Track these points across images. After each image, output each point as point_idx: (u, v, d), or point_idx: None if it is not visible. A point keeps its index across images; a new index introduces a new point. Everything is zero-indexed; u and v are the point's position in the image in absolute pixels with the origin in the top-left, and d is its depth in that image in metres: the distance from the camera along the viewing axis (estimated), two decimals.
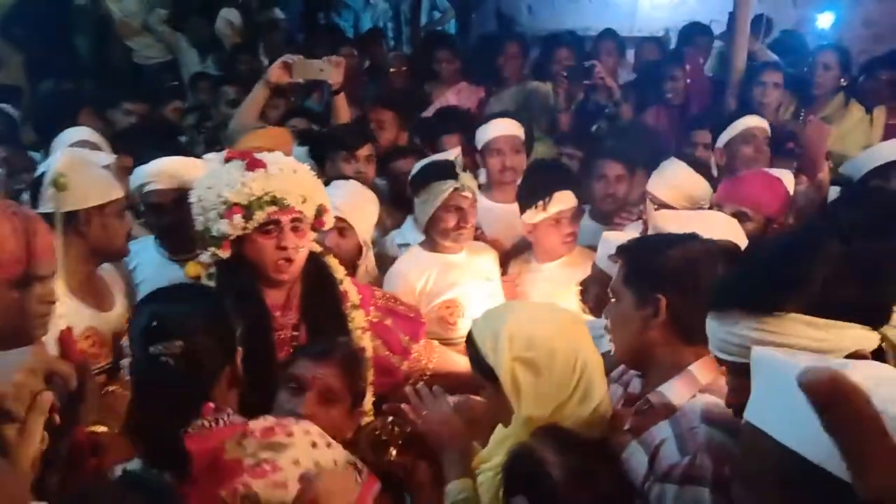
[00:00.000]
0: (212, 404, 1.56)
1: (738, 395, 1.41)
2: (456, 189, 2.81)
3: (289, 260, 2.15)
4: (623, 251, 1.86)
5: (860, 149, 4.43)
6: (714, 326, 1.42)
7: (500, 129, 3.57)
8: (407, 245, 3.19)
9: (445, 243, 2.89)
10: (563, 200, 2.93)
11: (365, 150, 3.41)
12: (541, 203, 2.91)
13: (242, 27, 6.25)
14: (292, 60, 3.43)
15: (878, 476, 0.82)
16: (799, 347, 1.29)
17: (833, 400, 0.83)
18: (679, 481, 1.53)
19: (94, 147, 3.22)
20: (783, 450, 0.94)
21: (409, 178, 2.99)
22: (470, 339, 1.79)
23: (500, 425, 1.80)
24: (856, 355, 1.31)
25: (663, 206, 3.04)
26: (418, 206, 2.91)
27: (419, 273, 2.87)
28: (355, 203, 2.90)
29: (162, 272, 2.69)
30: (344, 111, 3.68)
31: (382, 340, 2.37)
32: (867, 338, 1.34)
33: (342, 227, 2.78)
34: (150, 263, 2.82)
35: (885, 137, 4.46)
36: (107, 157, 2.79)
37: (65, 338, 1.42)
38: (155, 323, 1.60)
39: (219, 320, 1.69)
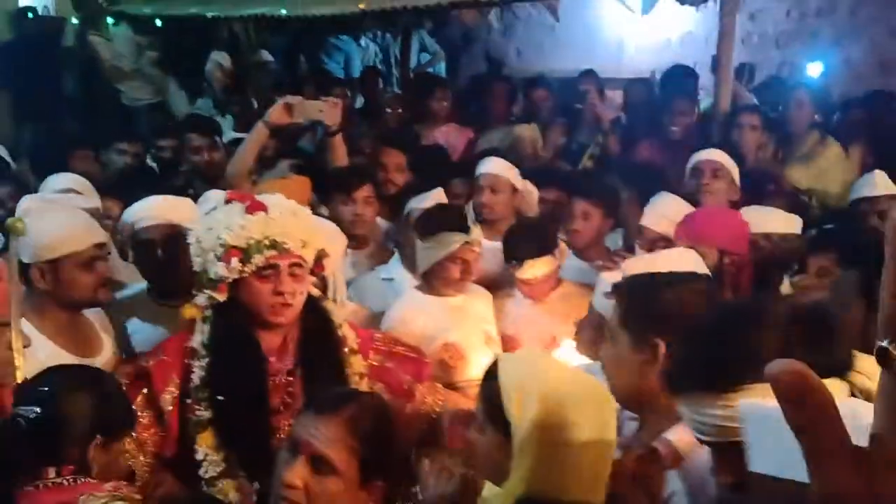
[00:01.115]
0: (71, 467, 1.78)
1: (725, 475, 1.38)
2: (466, 243, 2.81)
3: (286, 305, 2.12)
4: (619, 290, 1.83)
5: (840, 185, 4.54)
6: (682, 409, 1.37)
7: (485, 167, 3.63)
8: (391, 280, 3.19)
9: (444, 290, 2.89)
10: (536, 267, 2.96)
11: (363, 192, 3.40)
12: (528, 263, 2.94)
13: (232, 69, 6.31)
14: (293, 102, 3.46)
15: (833, 478, 0.85)
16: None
17: (801, 393, 0.85)
18: None
19: (79, 194, 3.21)
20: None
21: (417, 220, 2.98)
22: (491, 382, 1.61)
23: (486, 490, 1.67)
24: None
25: (659, 238, 3.05)
26: (422, 250, 2.88)
27: (418, 316, 2.86)
28: (340, 242, 2.92)
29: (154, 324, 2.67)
30: (341, 152, 3.69)
31: (384, 384, 2.31)
32: (836, 389, 1.31)
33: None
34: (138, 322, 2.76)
35: (862, 175, 4.57)
36: (86, 200, 2.79)
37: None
38: (21, 388, 1.80)
39: (87, 400, 1.84)
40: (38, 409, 1.76)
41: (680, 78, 5.49)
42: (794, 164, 4.64)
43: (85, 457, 1.80)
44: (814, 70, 6.13)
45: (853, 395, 1.37)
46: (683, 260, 2.35)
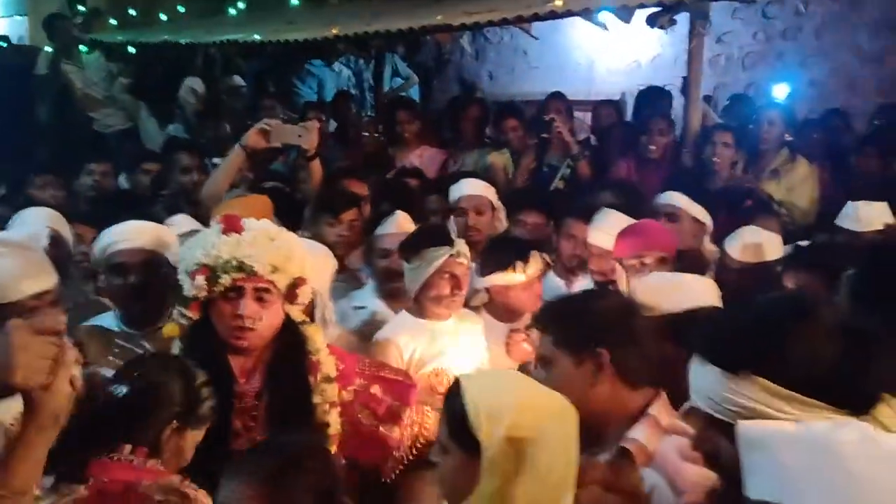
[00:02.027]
0: (145, 449, 1.85)
1: (703, 444, 1.42)
2: (451, 256, 2.79)
3: (246, 329, 2.10)
4: (545, 317, 1.91)
5: (807, 201, 4.64)
6: (713, 382, 1.34)
7: (465, 189, 3.64)
8: (363, 308, 3.17)
9: (436, 310, 2.84)
10: (538, 261, 3.01)
11: (350, 215, 3.40)
12: (520, 264, 2.95)
13: (205, 95, 6.31)
14: (270, 126, 3.45)
15: None
16: (766, 415, 1.24)
17: None
18: None
19: (56, 233, 3.14)
20: None
21: (400, 245, 2.95)
22: (455, 402, 1.60)
23: None
24: None
25: (606, 253, 3.21)
26: (409, 272, 2.85)
27: (407, 340, 2.81)
28: (328, 264, 2.90)
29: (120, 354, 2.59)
30: (318, 175, 3.70)
31: (369, 410, 2.29)
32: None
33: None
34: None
35: (822, 191, 4.67)
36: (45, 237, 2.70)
37: None
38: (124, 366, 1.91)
39: (172, 388, 1.92)
40: (125, 389, 1.87)
41: (655, 98, 5.58)
42: (766, 180, 4.73)
43: (159, 440, 1.88)
44: (780, 91, 6.24)
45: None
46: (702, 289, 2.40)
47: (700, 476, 1.60)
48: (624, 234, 3.13)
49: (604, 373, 1.81)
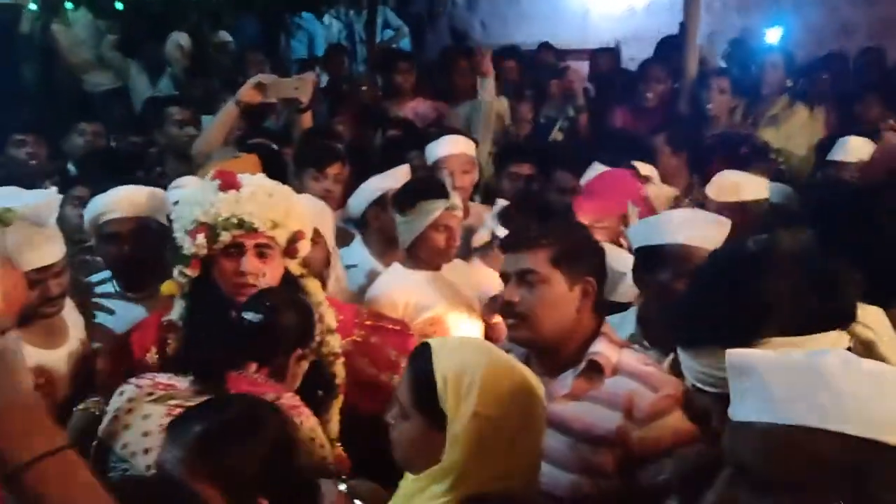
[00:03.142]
0: (267, 369, 2.01)
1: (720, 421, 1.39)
2: (447, 208, 2.82)
3: (249, 285, 2.11)
4: (549, 233, 1.92)
5: (805, 148, 4.63)
6: (690, 362, 1.39)
7: (449, 148, 3.59)
8: (355, 266, 3.16)
9: (430, 262, 2.87)
10: None
11: (334, 169, 3.37)
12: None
13: (192, 51, 6.20)
14: (266, 80, 3.40)
15: None
16: None
17: None
18: (670, 410, 1.75)
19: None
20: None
21: (394, 196, 2.96)
22: (421, 368, 1.54)
23: (404, 480, 1.62)
24: None
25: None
26: (403, 224, 2.87)
27: (402, 291, 2.83)
28: (319, 211, 2.88)
29: (118, 314, 2.60)
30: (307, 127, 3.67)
31: (369, 359, 2.33)
32: (839, 339, 1.35)
33: (313, 237, 2.77)
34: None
35: (827, 135, 4.64)
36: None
37: None
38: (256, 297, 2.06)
39: (299, 318, 2.07)
40: (260, 316, 1.99)
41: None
42: (764, 127, 4.71)
43: (285, 364, 2.04)
44: (774, 35, 6.17)
45: (850, 347, 1.37)
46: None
47: (667, 377, 1.79)
48: (583, 196, 3.15)
49: (587, 300, 1.89)
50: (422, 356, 1.55)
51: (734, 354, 1.10)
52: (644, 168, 3.56)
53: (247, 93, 3.38)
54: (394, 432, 1.57)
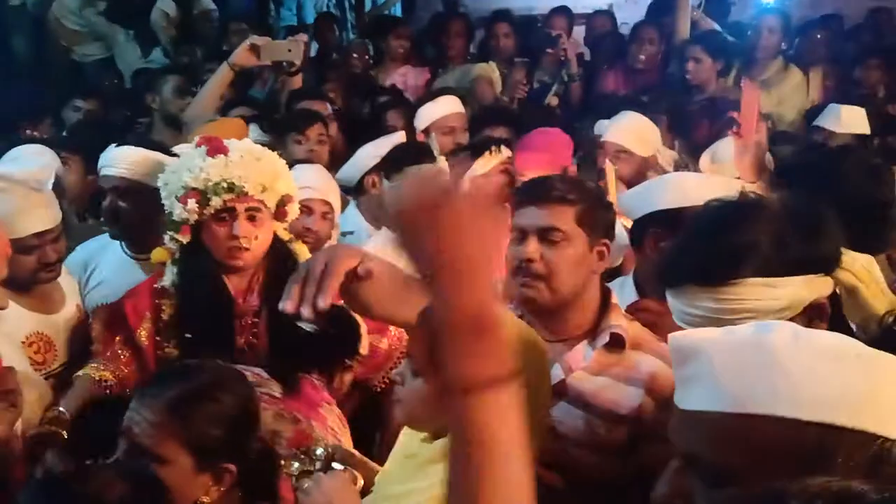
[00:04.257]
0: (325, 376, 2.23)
1: None
2: None
3: (242, 248, 2.14)
4: (575, 190, 1.86)
5: (796, 112, 4.61)
6: (673, 302, 1.44)
7: (451, 106, 3.60)
8: (351, 233, 3.17)
9: None
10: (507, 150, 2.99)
11: (316, 130, 3.40)
12: (493, 148, 2.90)
13: (178, 18, 6.12)
14: (259, 42, 3.38)
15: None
16: (760, 310, 1.34)
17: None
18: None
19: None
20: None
21: (382, 160, 2.95)
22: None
23: (408, 439, 1.60)
24: (815, 304, 1.37)
25: (620, 151, 3.29)
26: (391, 189, 2.86)
27: (390, 256, 2.83)
28: (330, 183, 2.91)
29: (123, 274, 2.60)
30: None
31: None
32: (822, 284, 1.39)
33: (325, 210, 2.79)
34: (111, 264, 2.71)
35: (823, 98, 4.62)
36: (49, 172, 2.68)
37: None
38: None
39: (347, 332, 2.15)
40: (314, 326, 1.99)
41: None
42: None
43: (333, 374, 2.23)
44: None
45: (836, 291, 1.42)
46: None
47: None
48: (525, 147, 3.13)
49: (602, 264, 1.86)
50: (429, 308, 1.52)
51: (677, 338, 1.03)
52: None
53: (241, 55, 3.37)
54: (402, 391, 1.53)
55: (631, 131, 3.36)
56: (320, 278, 1.28)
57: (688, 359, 1.00)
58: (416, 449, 1.53)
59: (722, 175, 3.12)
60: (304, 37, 3.61)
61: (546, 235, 1.80)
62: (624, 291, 2.29)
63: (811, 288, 1.37)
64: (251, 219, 2.15)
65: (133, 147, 2.69)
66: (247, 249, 2.14)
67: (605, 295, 1.89)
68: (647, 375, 1.76)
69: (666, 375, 1.73)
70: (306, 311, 1.19)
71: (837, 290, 1.46)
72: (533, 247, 1.80)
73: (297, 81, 3.68)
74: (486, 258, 0.84)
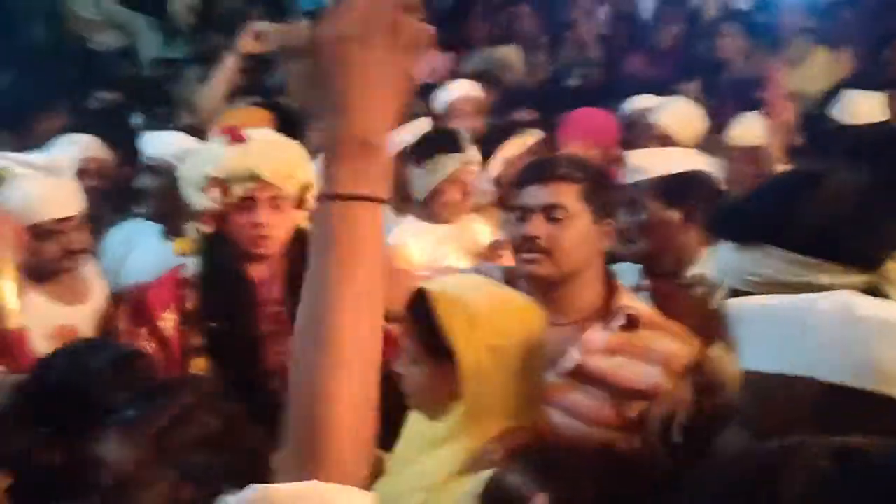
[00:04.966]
0: None
1: None
2: (464, 163, 2.81)
3: (264, 236, 2.14)
4: (581, 169, 1.88)
5: (826, 89, 4.51)
6: (731, 258, 1.37)
7: (460, 90, 3.59)
8: None
9: (444, 215, 2.87)
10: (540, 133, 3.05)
11: None
12: (522, 131, 3.01)
13: (199, 6, 6.12)
14: (265, 29, 3.39)
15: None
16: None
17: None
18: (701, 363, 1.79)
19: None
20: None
21: (411, 147, 2.94)
22: (425, 310, 1.53)
23: (416, 421, 1.62)
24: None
25: (664, 136, 3.23)
26: (419, 177, 2.87)
27: (414, 243, 2.84)
28: None
29: (160, 255, 2.61)
30: None
31: None
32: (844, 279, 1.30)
33: None
34: (149, 251, 2.73)
35: (853, 76, 4.52)
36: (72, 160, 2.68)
37: (15, 339, 1.44)
38: None
39: None
40: None
41: None
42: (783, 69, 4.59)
43: None
44: None
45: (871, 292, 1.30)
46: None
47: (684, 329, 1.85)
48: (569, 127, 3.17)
49: (607, 240, 1.88)
50: (419, 301, 1.55)
51: (733, 305, 1.11)
52: None
53: (246, 43, 3.37)
54: (406, 381, 1.58)
55: (678, 117, 3.32)
56: None
57: (740, 322, 1.08)
58: (425, 429, 1.58)
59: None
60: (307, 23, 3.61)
61: (550, 213, 1.82)
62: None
63: (835, 278, 1.28)
64: (273, 207, 2.15)
65: (176, 132, 2.73)
66: (270, 237, 2.15)
67: (609, 275, 1.92)
68: (664, 354, 1.80)
69: (683, 353, 1.80)
70: None
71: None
72: (537, 224, 1.82)
73: None
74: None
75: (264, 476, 1.57)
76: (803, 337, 0.99)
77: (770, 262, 1.29)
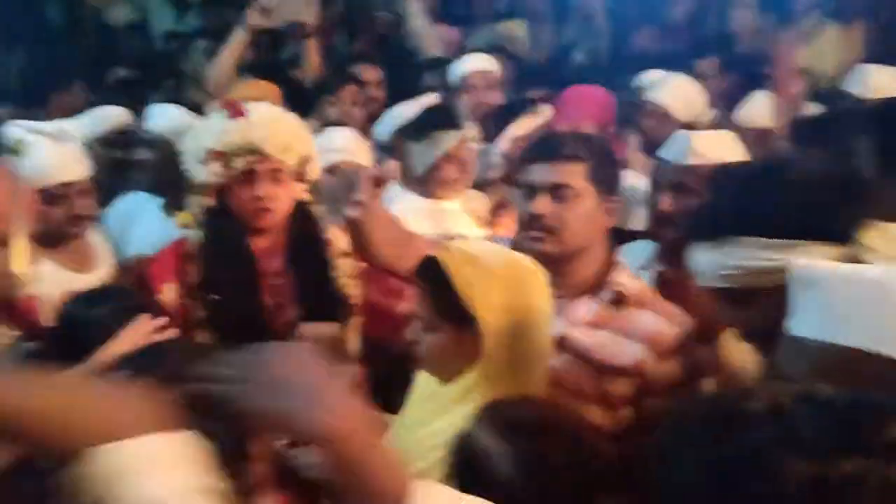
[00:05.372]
0: None
1: (737, 323, 1.52)
2: (461, 140, 2.81)
3: (265, 209, 2.16)
4: (586, 147, 1.87)
5: (834, 67, 4.47)
6: (707, 256, 1.41)
7: (472, 64, 3.60)
8: None
9: (442, 192, 2.87)
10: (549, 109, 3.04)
11: (349, 92, 3.45)
12: (533, 108, 3.00)
13: None
14: (269, 4, 3.42)
15: None
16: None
17: None
18: (689, 345, 1.81)
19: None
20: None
21: (407, 123, 2.96)
22: (439, 277, 1.55)
23: (425, 382, 1.66)
24: None
25: (663, 114, 3.21)
26: (416, 154, 2.87)
27: (413, 220, 2.76)
28: (360, 145, 2.95)
29: (161, 226, 2.65)
30: (315, 56, 3.71)
31: (375, 285, 2.36)
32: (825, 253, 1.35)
33: None
34: (150, 224, 2.75)
35: (866, 53, 4.48)
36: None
37: (26, 306, 1.49)
38: None
39: None
40: None
41: None
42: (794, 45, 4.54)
43: None
44: None
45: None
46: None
47: (680, 311, 1.83)
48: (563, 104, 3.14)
49: (611, 221, 1.88)
50: (431, 267, 1.57)
51: (800, 266, 1.11)
52: None
53: (252, 17, 3.43)
54: (421, 347, 1.60)
55: (676, 94, 3.30)
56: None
57: (807, 287, 1.07)
58: (435, 390, 1.60)
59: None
60: None
61: (556, 192, 1.84)
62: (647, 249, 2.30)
63: (808, 255, 1.32)
64: (273, 180, 2.16)
65: (174, 106, 2.75)
66: (270, 210, 2.17)
67: (611, 252, 1.93)
68: (649, 332, 1.80)
69: (668, 332, 1.80)
70: None
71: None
72: (543, 203, 1.84)
73: (312, 44, 3.77)
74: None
75: None
76: (885, 312, 0.99)
77: (745, 251, 1.32)
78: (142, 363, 1.46)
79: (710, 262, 1.38)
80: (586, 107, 3.07)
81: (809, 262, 1.12)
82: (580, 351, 1.82)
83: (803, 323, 1.06)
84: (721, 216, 1.40)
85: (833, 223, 1.31)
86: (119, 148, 2.95)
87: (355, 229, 1.90)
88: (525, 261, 1.63)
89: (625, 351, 1.80)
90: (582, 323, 1.84)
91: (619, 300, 1.84)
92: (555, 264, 1.83)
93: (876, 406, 0.71)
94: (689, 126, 3.26)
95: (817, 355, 1.02)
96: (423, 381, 1.67)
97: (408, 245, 1.96)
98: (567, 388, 1.78)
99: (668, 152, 2.30)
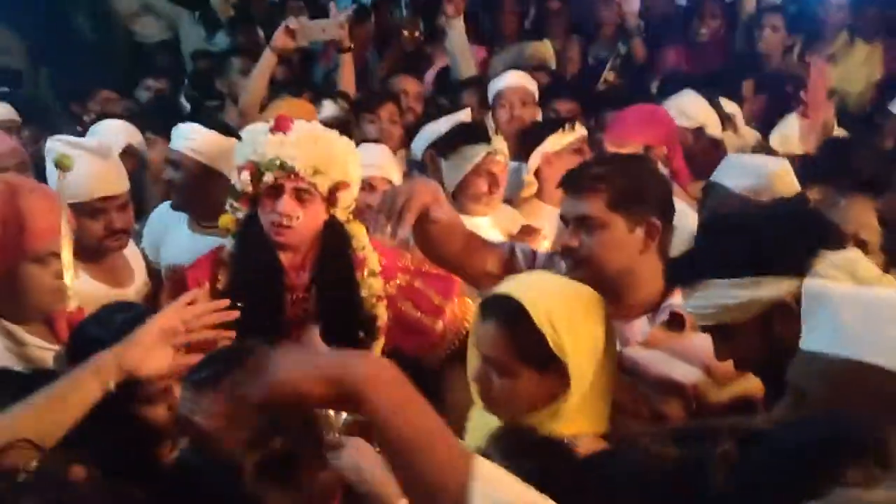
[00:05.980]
0: None
1: (724, 355, 1.60)
2: (489, 153, 2.81)
3: (284, 226, 2.16)
4: (601, 175, 1.85)
5: (862, 85, 4.46)
6: (693, 299, 1.55)
7: (507, 80, 3.62)
8: None
9: (473, 207, 2.87)
10: (582, 128, 3.05)
11: (388, 110, 3.49)
12: (567, 126, 2.97)
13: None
14: (295, 25, 3.46)
15: None
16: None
17: None
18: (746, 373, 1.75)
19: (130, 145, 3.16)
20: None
21: (437, 140, 2.98)
22: (520, 319, 1.56)
23: (482, 421, 1.66)
24: (779, 303, 1.41)
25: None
26: (447, 169, 2.88)
27: None
28: (393, 162, 2.97)
29: (190, 242, 2.68)
30: (349, 72, 3.75)
31: (412, 302, 2.35)
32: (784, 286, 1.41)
33: (387, 188, 2.78)
34: (180, 239, 2.77)
35: (886, 72, 4.46)
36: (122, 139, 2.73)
37: (74, 319, 1.52)
38: None
39: None
40: None
41: None
42: None
43: None
44: None
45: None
46: None
47: None
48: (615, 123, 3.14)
49: (651, 240, 1.84)
50: (508, 308, 1.58)
51: (811, 284, 1.16)
52: (729, 105, 3.55)
53: (279, 38, 3.46)
54: (493, 392, 1.61)
55: (674, 105, 3.35)
56: (400, 210, 1.71)
57: (818, 304, 1.11)
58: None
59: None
60: (340, 16, 3.66)
61: (582, 223, 1.85)
62: None
63: (770, 289, 1.41)
64: (298, 199, 2.16)
65: (198, 126, 2.76)
66: (289, 227, 2.16)
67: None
68: (706, 355, 1.75)
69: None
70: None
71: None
72: (571, 234, 1.87)
73: (347, 59, 3.78)
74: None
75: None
76: (890, 328, 1.03)
77: (714, 291, 1.45)
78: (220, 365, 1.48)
79: (691, 304, 1.52)
80: (637, 126, 3.03)
81: (820, 281, 1.17)
82: (634, 369, 1.81)
83: (815, 338, 1.09)
84: (693, 262, 1.56)
85: (785, 257, 1.39)
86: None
87: (421, 232, 1.92)
88: (589, 290, 1.68)
89: (679, 371, 1.80)
90: (636, 342, 1.84)
91: (676, 322, 1.83)
92: (600, 290, 1.81)
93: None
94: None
95: (828, 369, 1.06)
96: (480, 418, 1.67)
97: (474, 248, 2.04)
98: (623, 408, 1.77)
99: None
